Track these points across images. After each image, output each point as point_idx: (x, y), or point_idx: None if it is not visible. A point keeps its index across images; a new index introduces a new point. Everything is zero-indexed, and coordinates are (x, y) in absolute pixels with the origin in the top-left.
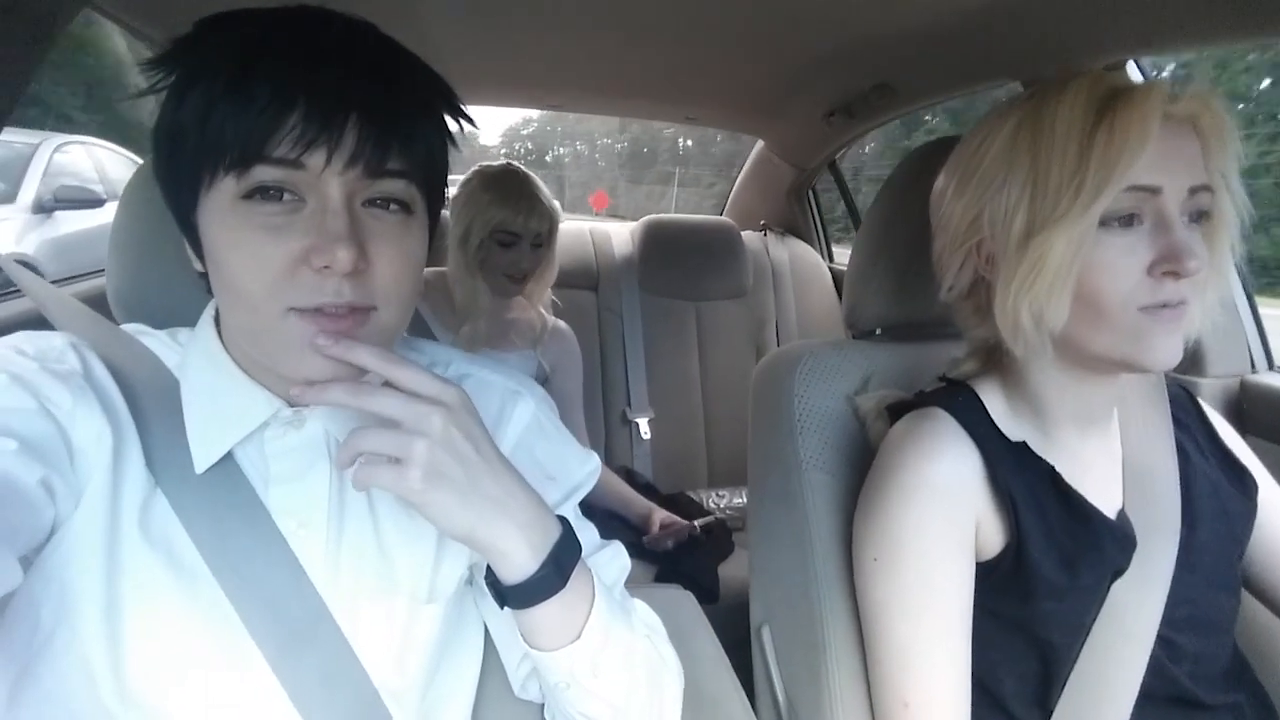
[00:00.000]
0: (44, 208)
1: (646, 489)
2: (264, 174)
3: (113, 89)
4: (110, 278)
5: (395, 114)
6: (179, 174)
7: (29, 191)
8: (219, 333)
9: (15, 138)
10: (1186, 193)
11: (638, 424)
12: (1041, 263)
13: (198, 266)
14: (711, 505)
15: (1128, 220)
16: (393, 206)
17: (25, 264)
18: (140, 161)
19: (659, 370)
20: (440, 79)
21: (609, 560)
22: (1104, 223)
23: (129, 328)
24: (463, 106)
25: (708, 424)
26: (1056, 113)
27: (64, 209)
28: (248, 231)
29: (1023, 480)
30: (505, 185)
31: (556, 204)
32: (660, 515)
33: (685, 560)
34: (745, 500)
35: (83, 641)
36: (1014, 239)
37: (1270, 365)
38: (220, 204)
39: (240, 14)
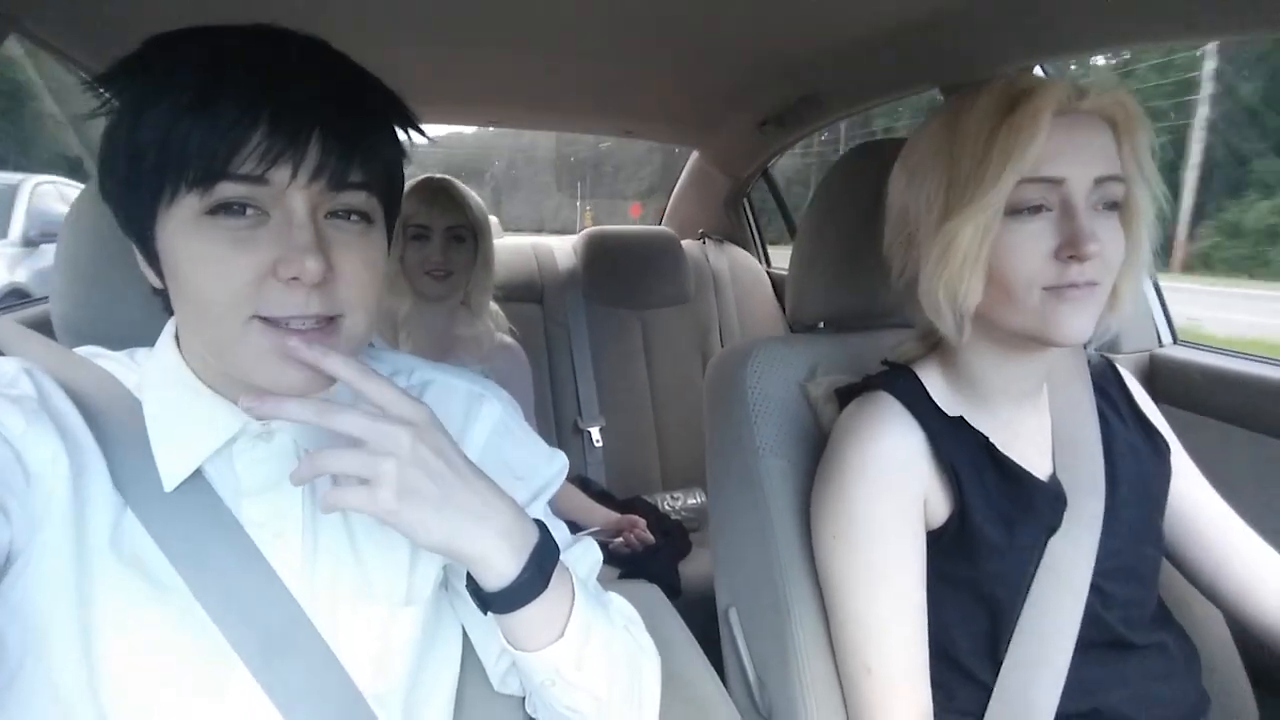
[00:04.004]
0: (31, 241)
1: (602, 496)
2: (228, 190)
3: (17, 117)
4: (56, 301)
5: (356, 128)
6: (136, 192)
7: (17, 227)
8: (180, 351)
9: None
10: (1092, 183)
11: (590, 433)
12: (951, 247)
13: (155, 283)
14: (667, 508)
15: (1035, 209)
16: (354, 218)
17: (19, 291)
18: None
19: (608, 379)
20: (393, 93)
21: (581, 555)
22: (1012, 212)
23: (84, 350)
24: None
25: (658, 429)
26: (972, 111)
27: (48, 242)
28: (212, 246)
29: (962, 451)
30: (422, 185)
31: (481, 205)
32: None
33: (648, 560)
34: (699, 501)
35: (55, 669)
36: (932, 225)
37: (1174, 340)
38: (182, 220)
39: (194, 33)
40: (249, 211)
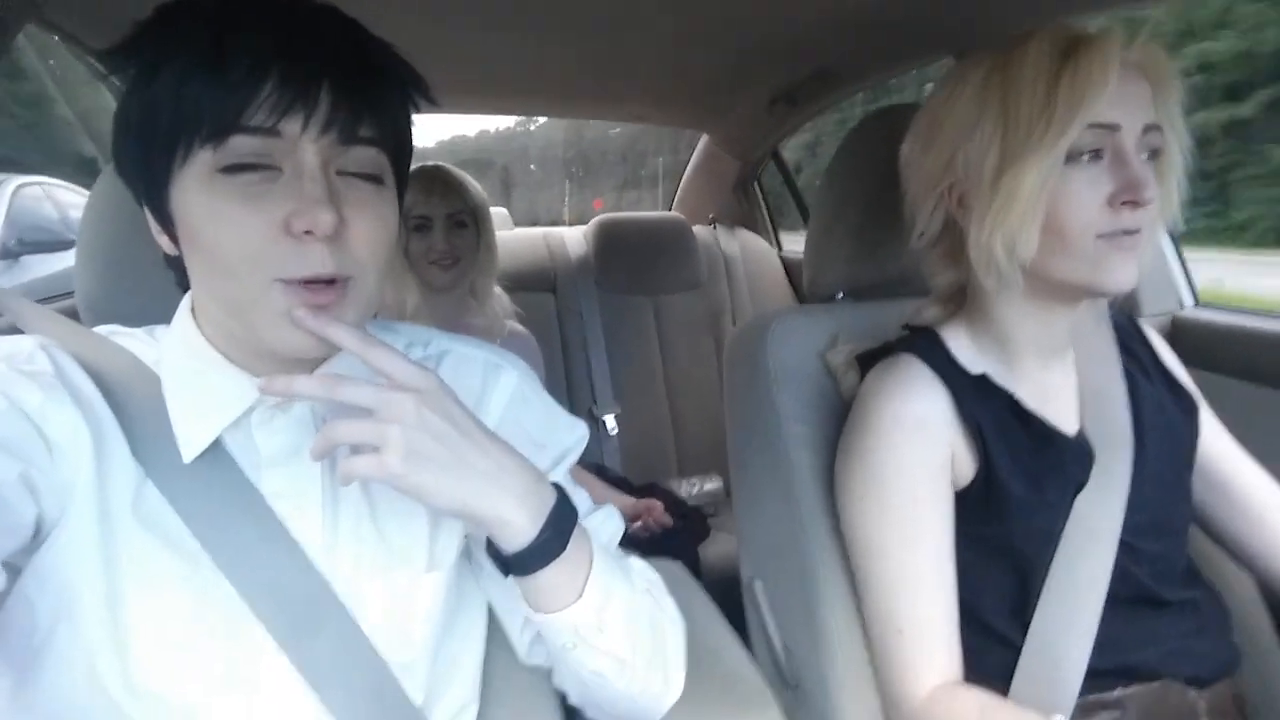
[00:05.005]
0: (10, 253)
1: (619, 483)
2: (240, 144)
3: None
4: (79, 282)
5: (365, 82)
6: (150, 154)
7: None
8: (197, 323)
9: None
10: (1141, 130)
11: (604, 420)
12: (1014, 195)
13: (170, 250)
14: (684, 493)
15: (1093, 155)
16: (365, 177)
17: None
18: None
19: (622, 366)
20: (400, 55)
21: (602, 522)
22: (1070, 158)
23: (103, 329)
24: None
25: (673, 414)
26: (1025, 59)
27: (34, 253)
28: (225, 201)
29: (987, 410)
30: (418, 175)
31: (479, 190)
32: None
33: (667, 543)
34: (716, 486)
35: (85, 637)
36: (987, 176)
37: (1196, 302)
38: (197, 178)
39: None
40: (261, 167)
